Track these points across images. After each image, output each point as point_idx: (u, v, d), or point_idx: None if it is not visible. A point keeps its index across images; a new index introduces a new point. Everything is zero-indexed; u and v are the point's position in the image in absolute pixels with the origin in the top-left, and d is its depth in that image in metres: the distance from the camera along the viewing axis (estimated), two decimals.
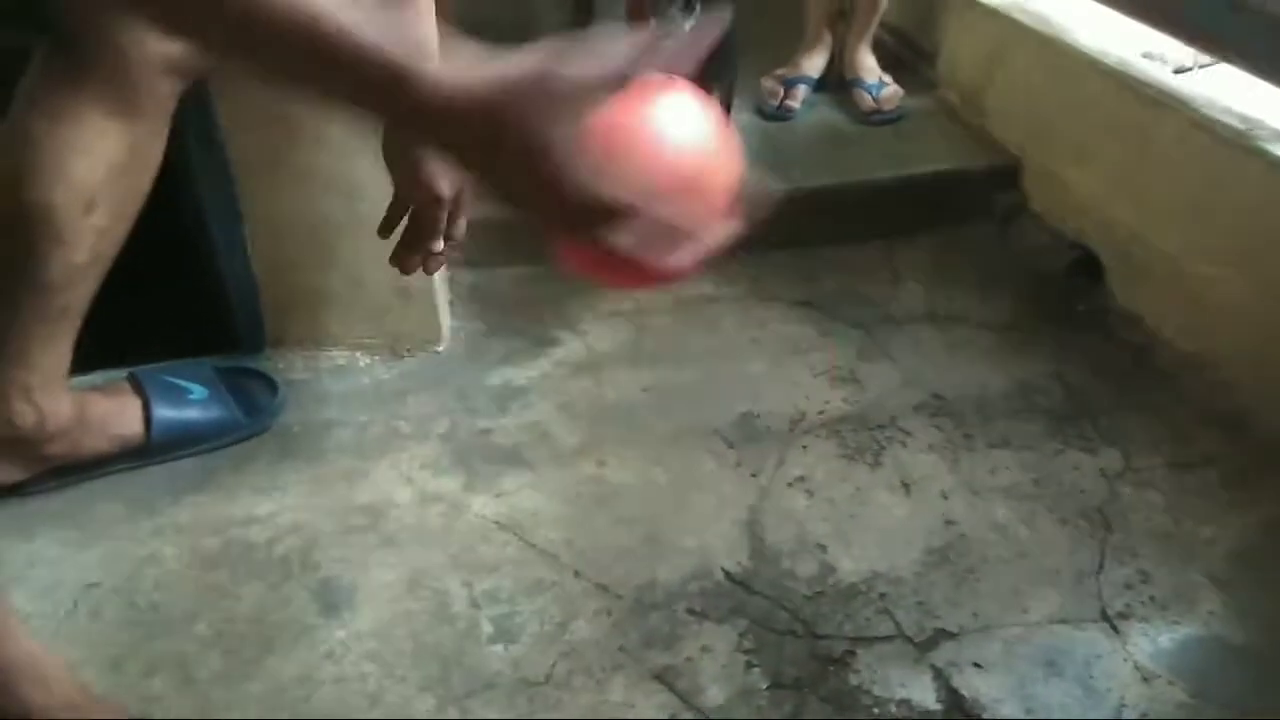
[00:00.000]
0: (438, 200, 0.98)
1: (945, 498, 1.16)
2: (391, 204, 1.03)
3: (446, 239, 1.02)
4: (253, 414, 1.24)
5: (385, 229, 1.03)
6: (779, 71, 1.91)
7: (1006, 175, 1.69)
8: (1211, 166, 1.32)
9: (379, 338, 1.36)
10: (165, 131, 1.04)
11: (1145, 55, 1.54)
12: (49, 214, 0.98)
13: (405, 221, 1.02)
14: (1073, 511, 1.14)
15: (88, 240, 1.01)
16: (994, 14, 1.77)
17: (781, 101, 1.86)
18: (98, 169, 0.99)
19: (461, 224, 1.02)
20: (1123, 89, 1.46)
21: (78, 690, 0.83)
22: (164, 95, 1.01)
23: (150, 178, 1.05)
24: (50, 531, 1.09)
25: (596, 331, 1.45)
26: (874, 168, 1.69)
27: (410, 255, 1.02)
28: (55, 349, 1.07)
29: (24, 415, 1.07)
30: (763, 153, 1.74)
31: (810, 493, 1.16)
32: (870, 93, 1.86)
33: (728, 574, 1.06)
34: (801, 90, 1.88)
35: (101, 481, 1.15)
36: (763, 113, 1.86)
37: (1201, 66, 1.61)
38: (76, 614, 1.00)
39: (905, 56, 2.08)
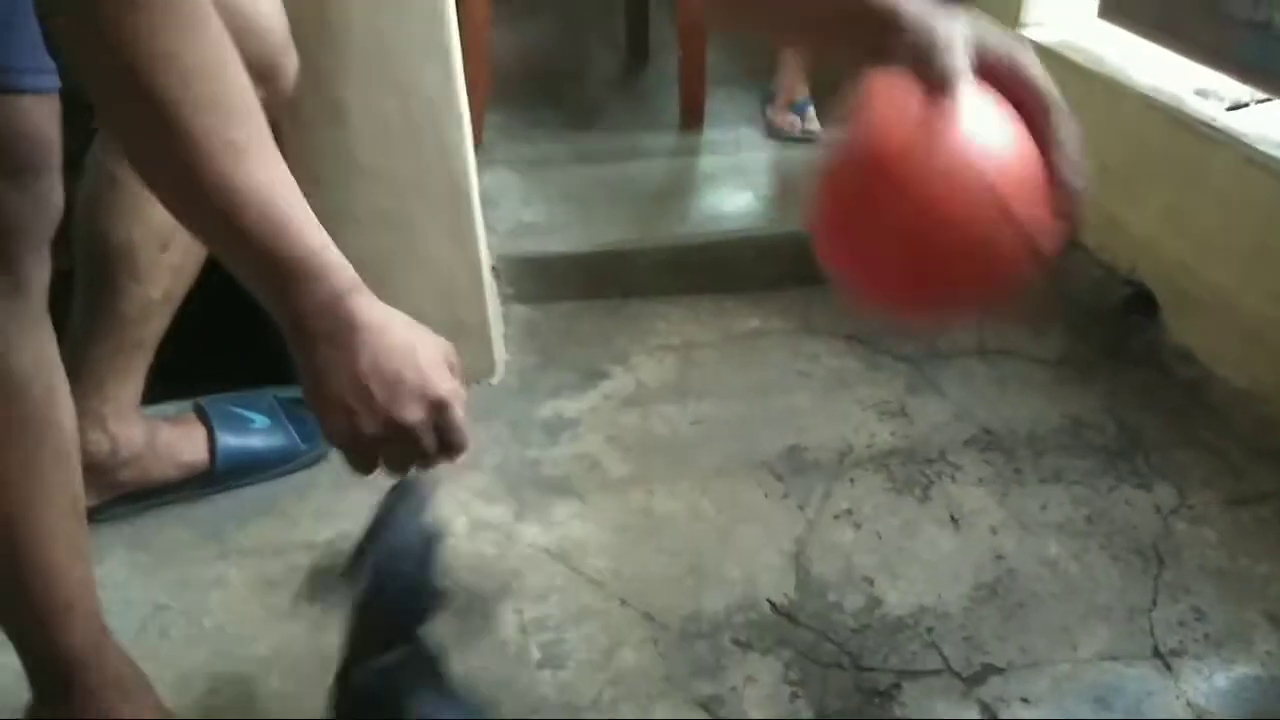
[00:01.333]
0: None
1: (995, 532, 1.15)
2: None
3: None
4: (311, 441, 1.29)
5: None
6: (778, 102, 1.98)
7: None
8: (1266, 202, 1.31)
9: None
10: None
11: (1199, 92, 1.54)
12: (129, 252, 1.03)
13: None
14: (1125, 548, 1.13)
15: (163, 277, 1.06)
16: (1047, 53, 1.78)
17: (802, 128, 1.95)
18: None
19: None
20: (1176, 126, 1.46)
21: (158, 707, 0.87)
22: None
23: None
24: (121, 555, 1.13)
25: (646, 366, 1.47)
26: None
27: None
28: (129, 380, 1.13)
29: (98, 443, 1.12)
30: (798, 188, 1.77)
31: (858, 525, 1.17)
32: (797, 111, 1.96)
33: (773, 605, 1.07)
34: (811, 110, 1.96)
35: (170, 508, 1.20)
36: (786, 138, 1.97)
37: (1258, 102, 1.60)
38: (146, 633, 1.04)
39: None
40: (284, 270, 0.61)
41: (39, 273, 0.74)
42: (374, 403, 0.64)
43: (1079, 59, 1.70)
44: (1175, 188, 1.47)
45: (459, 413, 0.69)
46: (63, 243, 0.83)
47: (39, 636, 0.81)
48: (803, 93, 1.98)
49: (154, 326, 1.10)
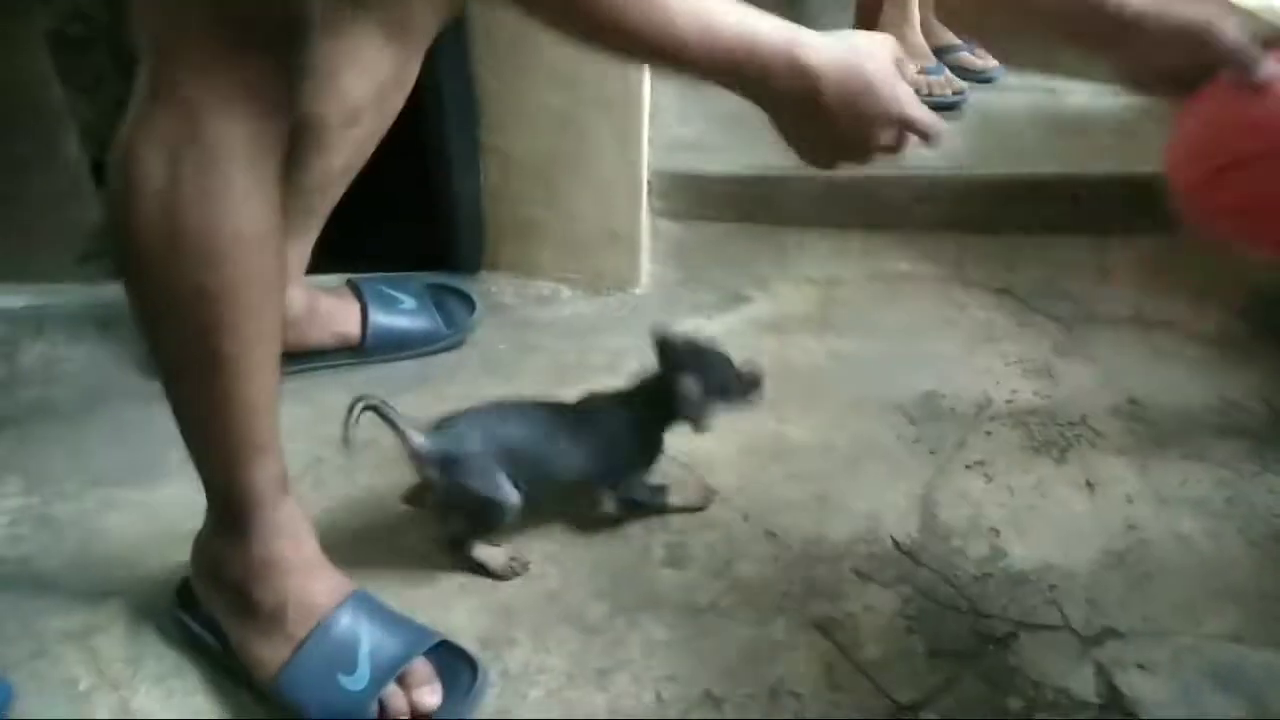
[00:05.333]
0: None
1: (1130, 501, 1.14)
2: None
3: None
4: (455, 326, 1.34)
5: None
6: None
7: None
8: None
9: (583, 274, 1.44)
10: (422, 57, 1.13)
11: None
12: (319, 123, 1.08)
13: None
14: (1263, 534, 1.10)
15: (346, 150, 1.11)
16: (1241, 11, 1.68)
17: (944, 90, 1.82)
18: (368, 86, 1.08)
19: None
20: None
21: (319, 555, 0.93)
22: (432, 25, 1.10)
23: (404, 98, 1.15)
24: (285, 408, 1.20)
25: (788, 294, 1.48)
26: (1092, 161, 1.64)
27: None
28: (300, 245, 1.19)
29: None
30: (974, 134, 1.72)
31: (989, 477, 1.17)
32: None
33: (896, 542, 1.08)
34: (946, 73, 1.84)
35: (330, 373, 1.27)
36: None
37: None
38: (303, 482, 1.11)
39: None
40: (738, 58, 0.69)
41: (285, 136, 0.79)
42: (852, 137, 0.74)
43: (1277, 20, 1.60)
44: None
45: (918, 111, 0.74)
46: None
47: (232, 471, 0.86)
48: (923, 53, 1.84)
49: (329, 196, 1.15)
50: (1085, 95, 1.86)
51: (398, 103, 1.15)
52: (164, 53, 0.72)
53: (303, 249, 1.20)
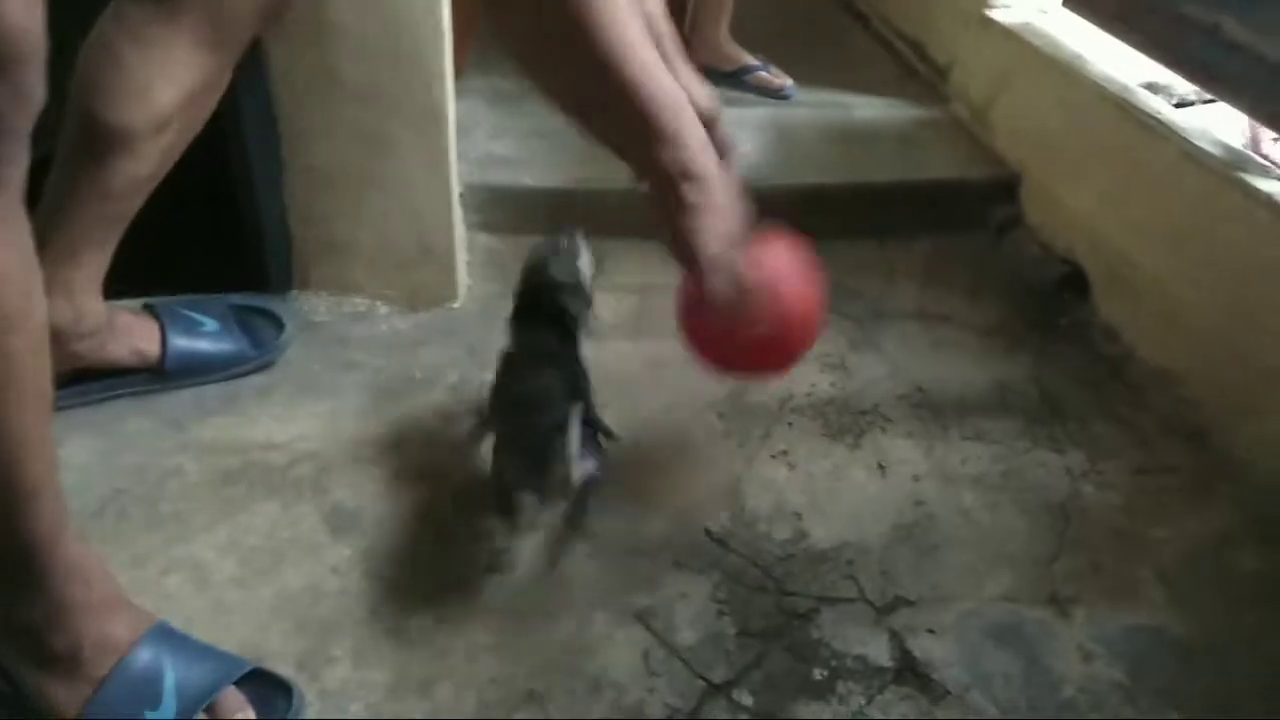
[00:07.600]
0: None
1: (917, 480, 1.23)
2: None
3: None
4: (261, 348, 1.31)
5: None
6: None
7: (1006, 188, 1.77)
8: (1197, 196, 1.39)
9: (399, 290, 1.44)
10: (234, 65, 1.12)
11: (1148, 86, 1.62)
12: (127, 133, 1.05)
13: None
14: (1035, 504, 1.22)
15: (154, 157, 1.08)
16: (1008, 34, 1.85)
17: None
18: (177, 94, 1.06)
19: None
20: (1122, 116, 1.53)
21: (114, 592, 0.89)
22: (246, 36, 1.09)
23: (214, 105, 1.13)
24: (82, 440, 1.16)
25: (604, 303, 1.50)
26: (878, 170, 1.76)
27: None
28: (101, 253, 1.14)
29: (63, 311, 1.12)
30: (771, 147, 1.82)
31: (791, 465, 1.24)
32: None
33: (709, 532, 1.14)
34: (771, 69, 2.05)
35: (131, 399, 1.23)
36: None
37: (1204, 101, 1.69)
38: (103, 515, 1.08)
39: (920, 69, 2.16)
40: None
41: (17, 165, 0.72)
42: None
43: (1038, 43, 1.77)
44: (1116, 175, 1.55)
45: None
46: (42, 132, 0.84)
47: (2, 522, 0.81)
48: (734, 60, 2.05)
49: (135, 202, 1.12)
50: (873, 110, 1.99)
51: (206, 110, 1.13)
52: None
53: (104, 256, 1.15)
